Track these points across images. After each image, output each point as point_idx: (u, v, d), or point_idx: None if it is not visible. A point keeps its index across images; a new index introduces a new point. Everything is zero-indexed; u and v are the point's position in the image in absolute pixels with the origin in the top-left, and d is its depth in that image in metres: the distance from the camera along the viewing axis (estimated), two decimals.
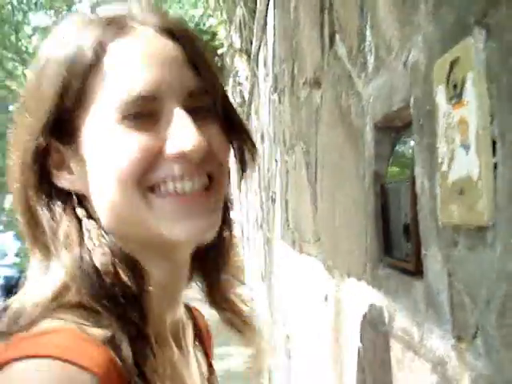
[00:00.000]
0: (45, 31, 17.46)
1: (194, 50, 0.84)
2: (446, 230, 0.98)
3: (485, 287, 0.84)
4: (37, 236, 0.83)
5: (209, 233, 0.83)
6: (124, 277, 0.76)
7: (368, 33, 1.46)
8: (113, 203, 0.81)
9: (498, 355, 0.81)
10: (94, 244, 0.78)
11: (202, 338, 1.06)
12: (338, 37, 1.84)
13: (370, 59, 1.44)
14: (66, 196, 0.83)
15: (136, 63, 0.80)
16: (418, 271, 1.15)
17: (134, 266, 0.79)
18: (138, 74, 0.79)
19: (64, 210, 0.82)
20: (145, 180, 0.80)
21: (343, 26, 1.76)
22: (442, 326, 1.04)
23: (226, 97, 0.90)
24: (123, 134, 0.79)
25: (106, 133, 0.80)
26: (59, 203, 0.81)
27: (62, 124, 0.81)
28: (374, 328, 1.51)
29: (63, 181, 0.83)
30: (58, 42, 0.84)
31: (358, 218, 1.61)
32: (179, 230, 0.80)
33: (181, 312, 0.98)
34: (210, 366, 1.06)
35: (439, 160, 0.96)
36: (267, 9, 4.78)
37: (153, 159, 0.79)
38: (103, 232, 0.80)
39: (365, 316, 1.62)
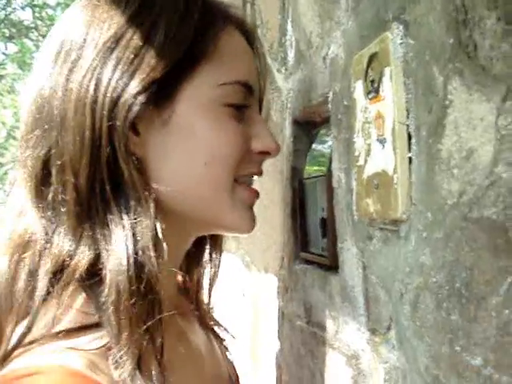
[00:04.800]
0: None
1: (263, 59, 0.89)
2: (361, 223, 0.99)
3: (398, 280, 0.85)
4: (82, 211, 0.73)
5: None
6: (155, 283, 0.70)
7: (289, 27, 1.46)
8: (197, 184, 0.76)
9: (411, 347, 0.82)
10: (146, 244, 0.71)
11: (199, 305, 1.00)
12: (259, 31, 1.83)
13: (291, 54, 1.44)
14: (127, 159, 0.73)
15: (242, 55, 0.82)
16: (333, 266, 1.16)
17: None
18: (244, 64, 0.81)
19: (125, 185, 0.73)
20: (236, 171, 0.79)
21: (264, 20, 1.75)
22: (357, 319, 1.05)
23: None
24: (228, 122, 0.78)
25: (209, 113, 0.76)
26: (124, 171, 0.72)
27: (166, 82, 0.74)
28: (291, 322, 1.51)
29: (131, 142, 0.74)
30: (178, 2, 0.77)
31: (276, 214, 1.62)
32: (249, 222, 0.82)
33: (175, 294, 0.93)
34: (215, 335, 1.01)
35: (356, 154, 0.97)
36: None
37: (245, 152, 0.80)
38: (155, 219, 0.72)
39: (281, 311, 1.62)
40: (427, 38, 0.77)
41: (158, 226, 0.72)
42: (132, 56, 0.73)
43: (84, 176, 0.72)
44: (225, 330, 1.04)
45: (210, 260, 0.97)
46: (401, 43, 0.82)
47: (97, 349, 0.66)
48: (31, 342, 0.67)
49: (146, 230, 0.71)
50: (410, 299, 0.81)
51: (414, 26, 0.80)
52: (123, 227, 0.71)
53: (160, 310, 0.71)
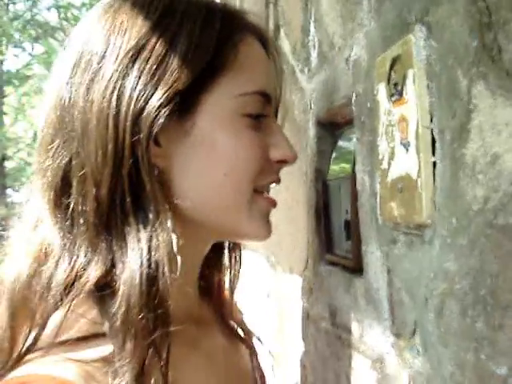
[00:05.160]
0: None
1: (279, 65, 0.90)
2: (385, 227, 0.98)
3: (423, 285, 0.84)
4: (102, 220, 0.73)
5: None
6: (166, 296, 0.70)
7: (311, 28, 1.45)
8: (218, 194, 0.77)
9: (435, 353, 0.81)
10: (162, 252, 0.71)
11: (224, 315, 1.00)
12: (282, 31, 1.83)
13: (314, 54, 1.43)
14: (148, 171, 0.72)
15: (261, 65, 0.83)
16: (358, 268, 1.15)
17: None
18: (262, 74, 0.82)
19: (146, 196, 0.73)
20: (256, 182, 0.80)
21: (287, 21, 1.75)
22: (382, 323, 1.04)
23: None
24: (248, 132, 0.78)
25: (229, 124, 0.77)
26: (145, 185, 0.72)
27: (188, 94, 0.74)
28: (315, 324, 1.51)
29: (152, 153, 0.74)
30: (199, 12, 0.77)
31: (301, 215, 1.61)
32: (265, 230, 0.83)
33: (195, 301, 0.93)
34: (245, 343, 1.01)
35: (379, 157, 0.96)
36: None
37: (264, 162, 0.81)
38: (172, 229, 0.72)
39: (306, 312, 1.61)
40: (451, 41, 0.75)
41: (174, 240, 0.72)
42: (154, 67, 0.73)
43: (105, 187, 0.72)
44: (250, 332, 1.03)
45: (230, 262, 0.97)
46: (424, 46, 0.81)
47: (96, 360, 0.67)
48: (37, 351, 0.68)
49: (162, 244, 0.71)
50: (435, 305, 0.80)
51: (437, 29, 0.79)
52: (139, 240, 0.71)
53: (167, 324, 0.71)
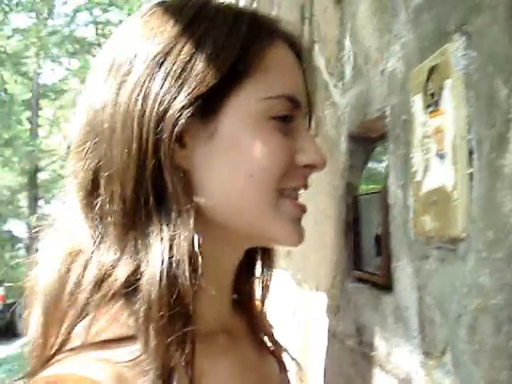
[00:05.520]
0: (24, 32, 17.30)
1: (311, 71, 0.90)
2: (417, 242, 0.96)
3: (455, 301, 0.81)
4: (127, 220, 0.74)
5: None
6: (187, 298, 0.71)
7: (347, 42, 1.44)
8: (241, 197, 0.77)
9: (467, 372, 0.78)
10: (183, 254, 0.71)
11: (257, 331, 0.99)
12: (317, 47, 1.82)
13: (348, 68, 1.42)
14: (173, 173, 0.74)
15: (288, 70, 0.83)
16: (387, 285, 1.13)
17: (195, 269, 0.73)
18: (290, 78, 0.82)
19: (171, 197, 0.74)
20: (279, 184, 0.79)
21: (323, 36, 1.74)
22: (410, 341, 1.01)
23: None
24: (272, 135, 0.78)
25: (254, 126, 0.77)
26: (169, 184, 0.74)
27: (212, 96, 0.75)
28: (341, 342, 1.48)
29: (176, 155, 0.75)
30: (226, 18, 0.79)
31: (329, 231, 1.59)
32: (294, 234, 0.81)
33: (229, 311, 0.92)
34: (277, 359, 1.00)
35: (413, 170, 0.94)
36: None
37: (289, 165, 0.81)
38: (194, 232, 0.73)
39: (332, 330, 1.59)
40: (491, 50, 0.74)
41: (196, 239, 0.72)
42: (180, 70, 0.74)
43: (130, 187, 0.73)
44: (280, 345, 1.02)
45: (262, 273, 0.96)
46: (463, 55, 0.79)
47: (126, 361, 0.67)
48: (70, 350, 0.68)
49: (184, 242, 0.72)
50: (468, 322, 0.77)
51: (477, 37, 0.77)
52: (161, 239, 0.72)
53: (189, 323, 0.71)
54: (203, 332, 0.75)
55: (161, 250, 0.71)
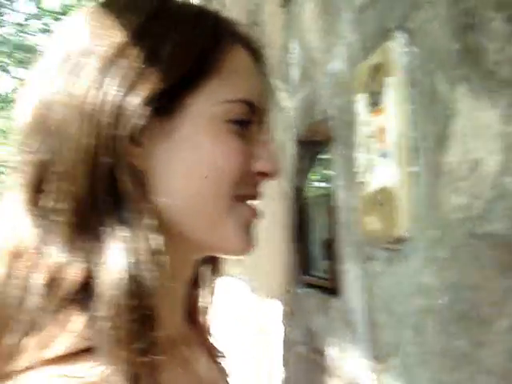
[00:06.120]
0: None
1: (268, 75, 0.86)
2: (363, 243, 0.94)
3: (401, 303, 0.80)
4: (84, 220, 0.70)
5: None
6: (149, 300, 0.67)
7: (292, 45, 1.43)
8: (197, 199, 0.74)
9: (414, 374, 0.77)
10: (147, 256, 0.68)
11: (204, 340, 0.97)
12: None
13: (295, 72, 1.41)
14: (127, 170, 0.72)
15: (248, 73, 0.79)
16: (335, 289, 1.11)
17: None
18: (250, 82, 0.79)
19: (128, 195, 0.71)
20: (236, 189, 0.76)
21: (269, 40, 1.73)
22: (359, 345, 0.99)
23: None
24: (231, 139, 0.75)
25: (213, 128, 0.74)
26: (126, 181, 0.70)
27: (169, 96, 0.72)
28: (295, 349, 1.45)
29: (131, 153, 0.72)
30: (190, 17, 0.76)
31: (279, 236, 1.57)
32: (248, 243, 0.79)
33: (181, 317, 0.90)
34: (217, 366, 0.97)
35: (357, 170, 0.93)
36: None
37: (246, 171, 0.77)
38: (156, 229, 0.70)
39: (286, 337, 1.56)
40: (432, 45, 0.73)
41: (157, 238, 0.69)
42: (137, 66, 0.72)
43: (81, 185, 0.70)
44: (221, 353, 0.99)
45: (206, 283, 0.93)
46: (404, 52, 0.78)
47: (85, 375, 0.63)
48: (26, 367, 0.63)
49: (143, 242, 0.68)
50: (414, 323, 0.76)
51: (419, 34, 0.76)
52: (117, 240, 0.69)
53: (154, 329, 0.67)
54: (163, 342, 0.72)
55: (117, 251, 0.68)
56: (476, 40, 0.64)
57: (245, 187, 0.78)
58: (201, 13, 0.78)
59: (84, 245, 0.69)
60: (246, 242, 0.79)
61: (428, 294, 0.72)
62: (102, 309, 0.65)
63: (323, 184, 1.24)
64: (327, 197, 1.16)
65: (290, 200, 1.44)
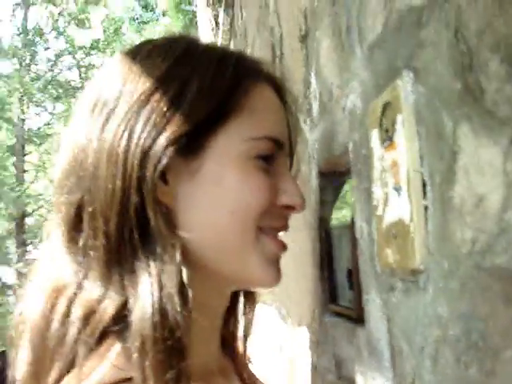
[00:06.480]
0: (7, 78, 17.42)
1: (294, 116, 0.90)
2: (383, 274, 0.97)
3: (419, 333, 0.82)
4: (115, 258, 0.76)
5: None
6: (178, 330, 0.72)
7: (312, 80, 1.47)
8: (223, 234, 0.78)
9: None
10: (172, 288, 0.73)
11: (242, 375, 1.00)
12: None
13: (315, 105, 1.45)
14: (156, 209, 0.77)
15: (271, 111, 0.83)
16: (360, 318, 1.13)
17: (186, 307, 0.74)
18: (273, 119, 0.82)
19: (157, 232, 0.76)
20: (261, 222, 0.80)
21: (291, 74, 1.77)
22: (384, 373, 1.01)
23: None
24: (255, 173, 0.79)
25: (237, 165, 0.78)
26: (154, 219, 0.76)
27: (195, 135, 0.78)
28: (323, 377, 1.47)
29: (160, 192, 0.77)
30: (210, 58, 0.81)
31: (306, 265, 1.59)
32: (274, 275, 0.81)
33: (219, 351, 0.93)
34: None
35: (375, 204, 0.95)
36: None
37: (271, 205, 0.81)
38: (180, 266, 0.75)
39: (314, 364, 1.58)
40: (436, 84, 0.76)
41: (184, 272, 0.73)
42: (164, 109, 0.76)
43: (113, 223, 0.75)
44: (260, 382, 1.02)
45: (244, 312, 0.96)
46: (411, 90, 0.81)
47: None
48: None
49: (172, 276, 0.72)
50: (430, 353, 0.78)
51: (423, 73, 0.79)
52: (149, 274, 0.73)
53: (184, 359, 0.71)
54: (199, 371, 0.75)
55: (149, 284, 0.71)
56: (475, 80, 0.67)
57: (270, 220, 0.82)
58: (223, 55, 0.82)
59: (119, 279, 0.74)
60: (272, 274, 0.82)
61: (441, 324, 0.74)
62: (134, 340, 0.69)
63: (346, 215, 1.27)
64: (350, 228, 1.19)
65: (314, 229, 1.47)
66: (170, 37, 0.86)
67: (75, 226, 0.78)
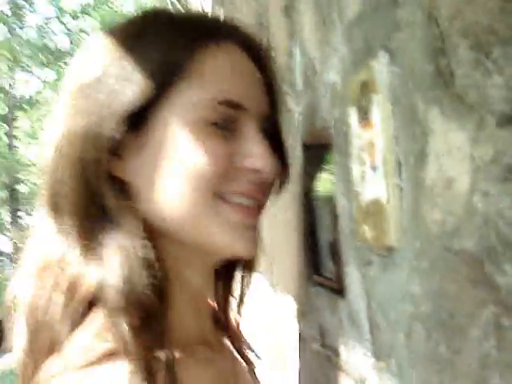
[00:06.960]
0: None
1: (273, 77, 0.88)
2: (362, 249, 0.99)
3: (394, 308, 0.85)
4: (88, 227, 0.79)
5: (256, 250, 0.84)
6: (151, 293, 0.74)
7: (296, 52, 1.47)
8: (179, 202, 0.79)
9: (407, 375, 0.81)
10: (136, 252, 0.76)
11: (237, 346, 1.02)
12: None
13: (299, 78, 1.45)
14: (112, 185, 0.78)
15: (227, 72, 0.81)
16: (341, 290, 1.16)
17: (163, 277, 0.77)
18: (230, 82, 0.80)
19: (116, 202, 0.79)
20: (217, 187, 0.80)
21: (276, 44, 1.77)
22: (363, 344, 1.04)
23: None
24: (207, 139, 0.79)
25: (187, 131, 0.78)
26: (110, 193, 0.79)
27: (142, 108, 0.79)
28: (309, 345, 1.50)
29: (114, 168, 0.80)
30: (156, 28, 0.81)
31: (292, 236, 1.62)
32: (241, 243, 0.80)
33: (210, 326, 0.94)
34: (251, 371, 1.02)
35: (353, 180, 0.97)
36: None
37: (228, 169, 0.80)
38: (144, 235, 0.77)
39: (300, 334, 1.61)
40: (410, 66, 0.77)
41: (148, 244, 0.76)
42: (112, 87, 0.78)
43: (79, 203, 0.79)
44: (255, 354, 1.03)
45: (241, 281, 0.97)
46: (387, 71, 0.82)
47: (120, 379, 0.69)
48: (59, 375, 0.70)
49: (137, 248, 0.75)
50: (404, 328, 0.81)
51: (398, 54, 0.80)
52: (117, 247, 0.76)
53: (164, 330, 0.73)
54: (183, 343, 0.77)
55: (117, 257, 0.74)
56: (447, 64, 0.68)
57: (230, 186, 0.81)
58: (174, 22, 0.83)
59: (94, 255, 0.78)
60: (239, 242, 0.81)
61: (414, 302, 0.76)
62: (110, 312, 0.73)
63: (329, 187, 1.29)
64: (332, 201, 1.20)
65: (299, 202, 1.49)
66: (142, 13, 0.87)
67: (55, 206, 0.82)
